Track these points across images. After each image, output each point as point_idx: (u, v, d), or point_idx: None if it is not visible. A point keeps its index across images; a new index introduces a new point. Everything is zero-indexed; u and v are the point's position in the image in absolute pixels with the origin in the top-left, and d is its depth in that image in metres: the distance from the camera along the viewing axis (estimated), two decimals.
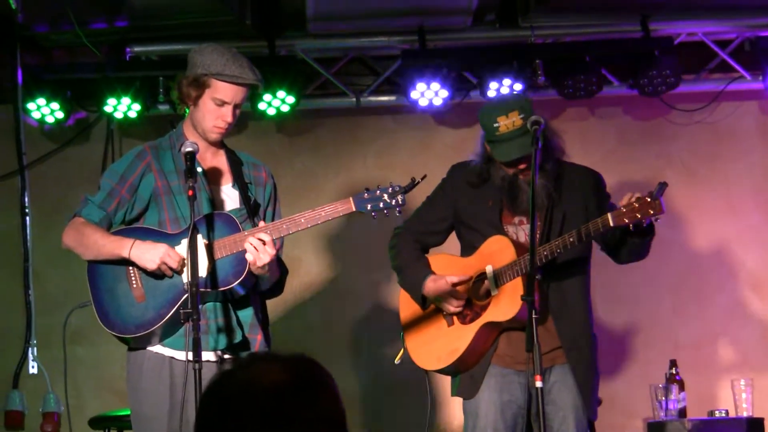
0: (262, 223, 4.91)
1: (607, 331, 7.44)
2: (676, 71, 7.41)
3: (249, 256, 4.81)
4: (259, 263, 4.81)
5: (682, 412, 6.59)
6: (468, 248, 5.41)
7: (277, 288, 5.21)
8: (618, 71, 7.73)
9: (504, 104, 5.22)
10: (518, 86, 7.38)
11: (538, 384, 4.60)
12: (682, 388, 6.63)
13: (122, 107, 7.48)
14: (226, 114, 4.99)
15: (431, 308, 5.43)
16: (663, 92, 7.54)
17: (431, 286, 5.33)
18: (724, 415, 6.60)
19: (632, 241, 5.13)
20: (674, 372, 6.69)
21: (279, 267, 5.09)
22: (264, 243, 4.79)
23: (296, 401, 2.23)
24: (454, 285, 5.28)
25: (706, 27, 7.68)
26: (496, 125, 5.10)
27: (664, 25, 7.63)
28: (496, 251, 5.22)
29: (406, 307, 5.51)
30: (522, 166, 5.16)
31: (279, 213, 5.23)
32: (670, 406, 6.48)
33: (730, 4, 7.48)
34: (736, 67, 7.74)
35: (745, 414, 6.60)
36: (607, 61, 7.62)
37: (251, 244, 4.80)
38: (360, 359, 7.72)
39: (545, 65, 7.49)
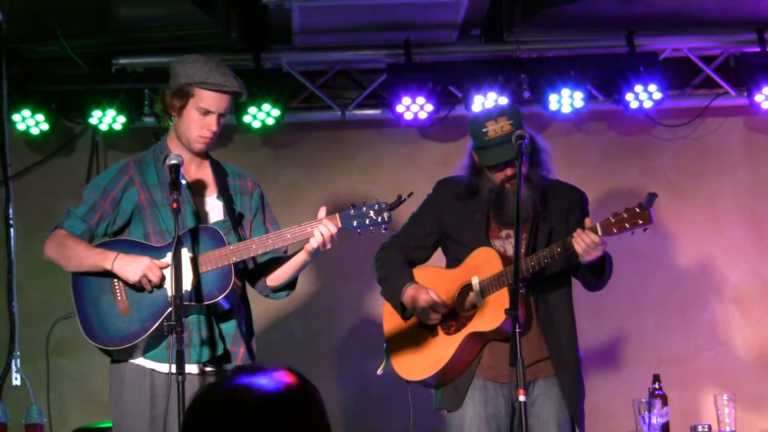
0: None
1: (590, 345, 7.43)
2: (661, 87, 7.42)
3: (313, 241, 4.87)
4: (321, 248, 4.91)
5: (665, 427, 6.59)
6: (453, 262, 5.42)
7: (293, 285, 5.28)
8: (603, 86, 7.74)
9: (493, 110, 5.29)
10: (503, 100, 7.38)
11: (521, 398, 4.61)
12: (665, 403, 6.62)
13: (107, 119, 7.45)
14: (211, 123, 4.98)
15: (415, 320, 5.42)
16: (648, 108, 7.56)
17: (411, 293, 5.31)
18: (707, 430, 6.61)
19: (584, 275, 5.25)
20: (657, 387, 6.69)
21: None
22: (331, 235, 4.88)
23: (281, 415, 2.23)
24: (436, 302, 5.27)
25: (692, 43, 7.70)
26: (484, 130, 5.12)
27: (650, 40, 7.65)
28: (483, 263, 5.23)
29: (390, 318, 5.50)
30: (509, 173, 5.16)
31: (274, 220, 5.25)
32: (653, 421, 6.48)
33: (715, 20, 7.49)
34: (721, 82, 7.76)
35: (727, 429, 6.60)
36: (592, 77, 7.62)
37: (320, 231, 4.85)
38: (344, 371, 7.70)
39: (530, 80, 7.49)
